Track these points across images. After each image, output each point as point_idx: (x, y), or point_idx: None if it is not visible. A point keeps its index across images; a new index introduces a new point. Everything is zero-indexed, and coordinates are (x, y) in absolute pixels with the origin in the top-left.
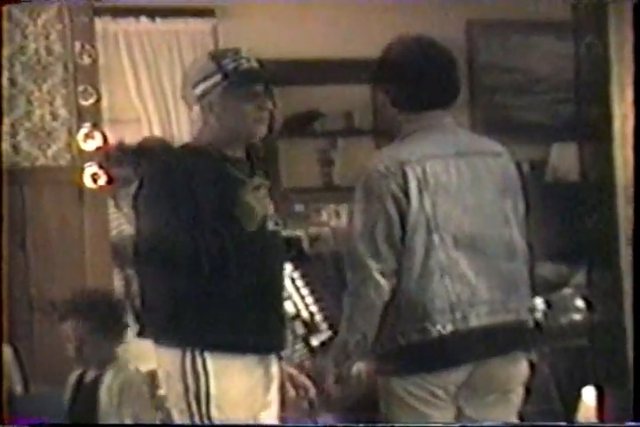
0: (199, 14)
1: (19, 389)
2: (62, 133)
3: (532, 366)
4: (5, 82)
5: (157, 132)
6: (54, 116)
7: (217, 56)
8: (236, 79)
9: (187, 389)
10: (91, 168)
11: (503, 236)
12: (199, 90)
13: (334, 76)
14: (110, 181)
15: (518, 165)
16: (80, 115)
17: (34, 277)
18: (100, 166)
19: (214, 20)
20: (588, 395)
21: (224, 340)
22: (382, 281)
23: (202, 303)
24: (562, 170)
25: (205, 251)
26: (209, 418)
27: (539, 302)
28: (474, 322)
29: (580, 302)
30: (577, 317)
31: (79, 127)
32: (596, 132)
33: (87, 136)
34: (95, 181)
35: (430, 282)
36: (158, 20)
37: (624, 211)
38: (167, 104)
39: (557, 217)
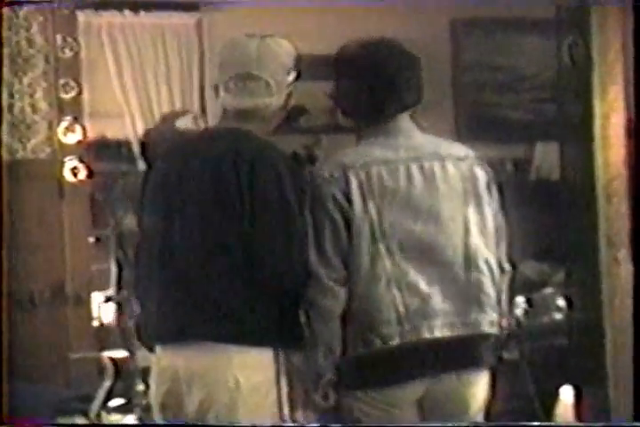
0: (183, 8)
1: None
2: (42, 127)
3: (493, 376)
4: None
5: (140, 126)
6: (35, 109)
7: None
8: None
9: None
10: (71, 162)
11: (462, 244)
12: (292, 76)
13: (319, 72)
14: (90, 175)
15: (501, 165)
16: (61, 108)
17: (13, 272)
18: (81, 160)
19: (198, 14)
20: (566, 394)
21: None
22: (336, 288)
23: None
24: (545, 169)
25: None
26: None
27: (520, 301)
28: (425, 334)
29: (561, 302)
30: (558, 316)
31: (60, 121)
32: (576, 132)
33: (68, 129)
34: (75, 174)
35: (376, 291)
36: (142, 13)
37: (604, 210)
38: (150, 98)
39: (540, 216)
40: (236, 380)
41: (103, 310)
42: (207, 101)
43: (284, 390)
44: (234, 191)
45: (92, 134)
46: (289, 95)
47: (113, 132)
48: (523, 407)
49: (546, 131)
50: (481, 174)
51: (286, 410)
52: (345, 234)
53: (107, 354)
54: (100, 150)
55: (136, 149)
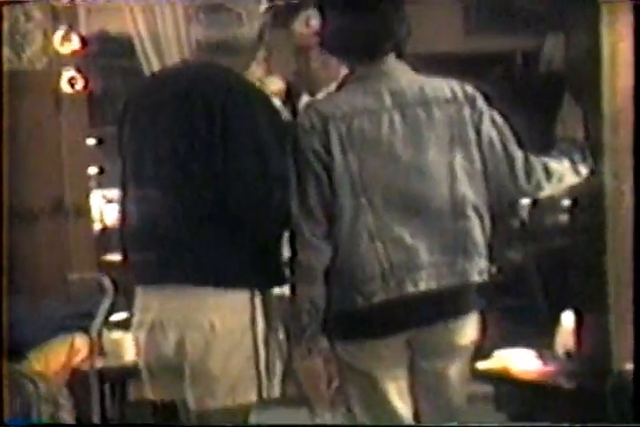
0: None
1: None
2: (37, 36)
3: (483, 318)
4: None
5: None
6: (28, 18)
7: None
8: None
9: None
10: (68, 72)
11: (448, 193)
12: (263, 6)
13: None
14: (87, 85)
15: (510, 58)
16: (55, 16)
17: (11, 186)
18: (78, 70)
19: None
20: (567, 320)
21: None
22: (319, 243)
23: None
24: (556, 61)
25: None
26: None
27: (525, 202)
28: (410, 288)
29: (566, 202)
30: (563, 217)
31: (55, 29)
32: (582, 23)
33: (64, 39)
34: (72, 85)
35: (359, 247)
36: None
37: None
38: None
39: (547, 109)
40: (211, 322)
41: (106, 212)
42: None
43: (261, 333)
44: (204, 128)
45: (91, 29)
46: (263, 25)
47: (113, 26)
48: (527, 305)
49: (557, 22)
50: (468, 114)
51: (262, 353)
52: (328, 187)
53: (109, 257)
54: (100, 46)
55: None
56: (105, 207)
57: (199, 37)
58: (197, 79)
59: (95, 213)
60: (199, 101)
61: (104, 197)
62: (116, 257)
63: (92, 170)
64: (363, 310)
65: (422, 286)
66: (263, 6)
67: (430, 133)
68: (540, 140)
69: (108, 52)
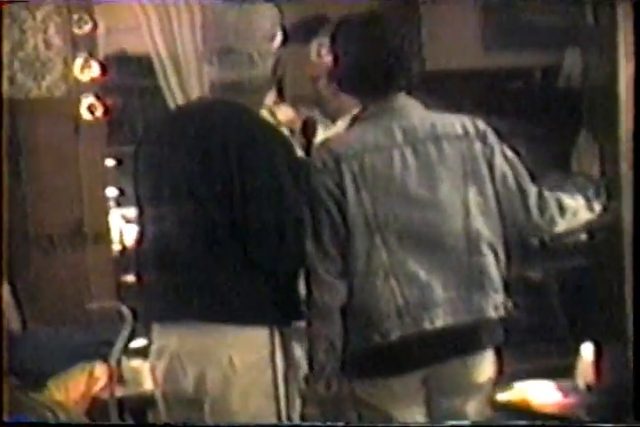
0: None
1: (16, 327)
2: (57, 64)
3: (499, 352)
4: None
5: (159, 40)
6: (48, 46)
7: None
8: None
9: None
10: (87, 99)
11: (462, 229)
12: (276, 43)
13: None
14: (107, 112)
15: (529, 74)
16: (75, 44)
17: (30, 212)
18: (97, 97)
19: None
20: (587, 351)
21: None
22: (334, 282)
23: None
24: (575, 76)
25: None
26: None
27: None
28: (427, 325)
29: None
30: (582, 237)
31: (75, 57)
32: (600, 38)
33: (83, 66)
34: (92, 112)
35: (374, 285)
36: None
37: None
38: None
39: (566, 124)
40: (230, 358)
41: (125, 232)
42: None
43: (280, 369)
44: (221, 168)
45: (110, 49)
46: (276, 63)
47: (132, 46)
48: (547, 323)
49: (576, 36)
50: (481, 150)
51: (282, 389)
52: (341, 226)
53: (129, 278)
54: (118, 65)
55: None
56: (125, 227)
57: (213, 78)
58: (214, 118)
59: (114, 235)
60: (216, 142)
61: (123, 216)
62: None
63: (112, 191)
64: (379, 347)
65: (439, 323)
66: (276, 43)
67: (442, 169)
68: (559, 156)
69: (127, 72)
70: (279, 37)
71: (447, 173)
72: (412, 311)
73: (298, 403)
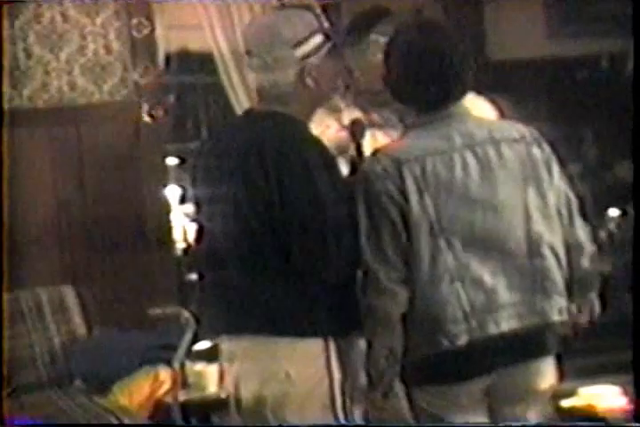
0: None
1: (81, 331)
2: (117, 68)
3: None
4: (59, 17)
5: (220, 38)
6: (108, 51)
7: (314, 11)
8: (339, 40)
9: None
10: (148, 102)
11: (523, 232)
12: (301, 51)
13: None
14: (167, 114)
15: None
16: (134, 48)
17: (91, 217)
18: (157, 100)
19: None
20: None
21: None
22: (396, 289)
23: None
24: None
25: None
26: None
27: (614, 213)
28: (492, 329)
29: None
30: None
31: (134, 61)
32: None
33: (143, 69)
34: (152, 115)
35: (440, 289)
36: None
37: None
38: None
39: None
40: (286, 372)
41: (188, 230)
42: None
43: (337, 380)
44: (261, 182)
45: (171, 47)
46: (301, 71)
47: (193, 44)
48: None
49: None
50: (539, 154)
51: (339, 401)
52: (403, 231)
53: (192, 277)
54: (180, 63)
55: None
56: (188, 225)
57: (250, 83)
58: (255, 130)
59: (177, 233)
60: (254, 155)
61: (186, 214)
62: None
63: (173, 189)
64: (447, 352)
65: (504, 327)
66: (300, 51)
67: (502, 172)
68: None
69: (189, 70)
70: (308, 45)
71: (507, 175)
72: (478, 315)
73: (358, 414)
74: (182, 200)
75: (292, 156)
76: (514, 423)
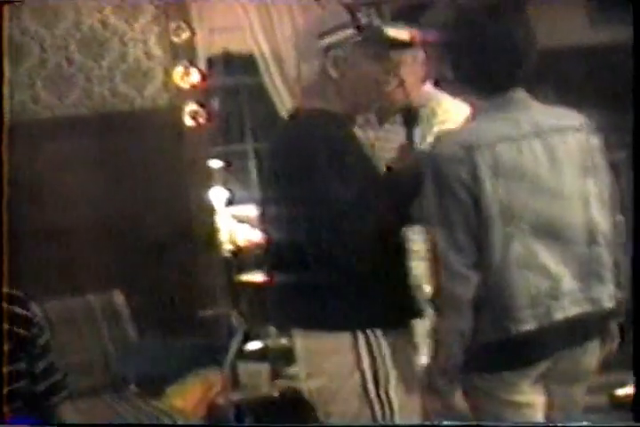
0: None
1: (133, 335)
2: (158, 73)
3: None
4: (98, 25)
5: (261, 39)
6: (149, 56)
7: (351, 6)
8: (371, 35)
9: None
10: (189, 106)
11: (583, 220)
12: (326, 42)
13: None
14: (210, 118)
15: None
16: (174, 52)
17: (139, 222)
18: (199, 104)
19: None
20: None
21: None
22: (468, 274)
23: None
24: None
25: None
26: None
27: None
28: (558, 316)
29: None
30: None
31: (175, 65)
32: None
33: (184, 74)
34: (195, 119)
35: (509, 275)
36: None
37: None
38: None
39: None
40: (319, 366)
41: (237, 232)
42: None
43: (369, 373)
44: (285, 186)
45: (212, 50)
46: (323, 62)
47: (235, 46)
48: None
49: None
50: (595, 142)
51: (372, 393)
52: (475, 217)
53: (244, 278)
54: (222, 66)
55: (259, 62)
56: (236, 228)
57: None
58: (288, 133)
59: (224, 236)
60: (284, 158)
61: (235, 216)
62: (251, 277)
63: (219, 191)
64: (515, 338)
65: (568, 313)
66: (323, 42)
67: (566, 160)
68: None
69: (231, 72)
70: (334, 37)
71: (570, 164)
72: (544, 302)
73: (396, 404)
74: (230, 202)
75: (331, 156)
76: (512, 424)
